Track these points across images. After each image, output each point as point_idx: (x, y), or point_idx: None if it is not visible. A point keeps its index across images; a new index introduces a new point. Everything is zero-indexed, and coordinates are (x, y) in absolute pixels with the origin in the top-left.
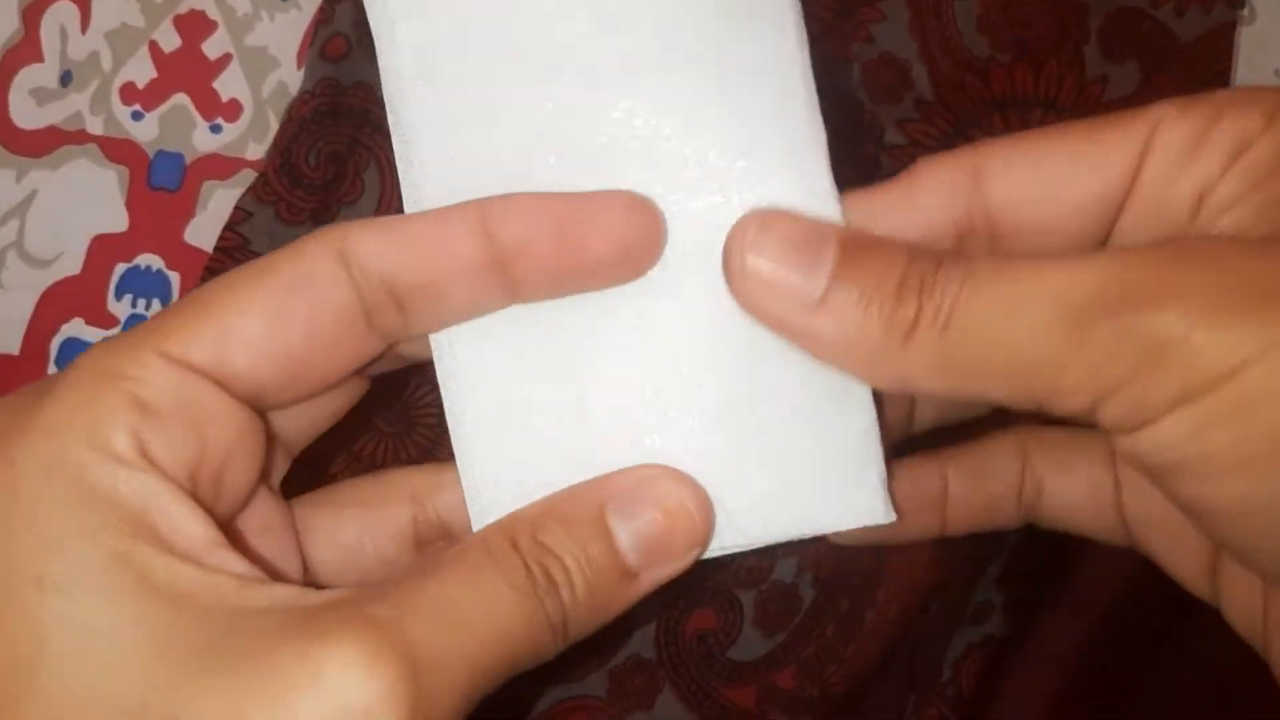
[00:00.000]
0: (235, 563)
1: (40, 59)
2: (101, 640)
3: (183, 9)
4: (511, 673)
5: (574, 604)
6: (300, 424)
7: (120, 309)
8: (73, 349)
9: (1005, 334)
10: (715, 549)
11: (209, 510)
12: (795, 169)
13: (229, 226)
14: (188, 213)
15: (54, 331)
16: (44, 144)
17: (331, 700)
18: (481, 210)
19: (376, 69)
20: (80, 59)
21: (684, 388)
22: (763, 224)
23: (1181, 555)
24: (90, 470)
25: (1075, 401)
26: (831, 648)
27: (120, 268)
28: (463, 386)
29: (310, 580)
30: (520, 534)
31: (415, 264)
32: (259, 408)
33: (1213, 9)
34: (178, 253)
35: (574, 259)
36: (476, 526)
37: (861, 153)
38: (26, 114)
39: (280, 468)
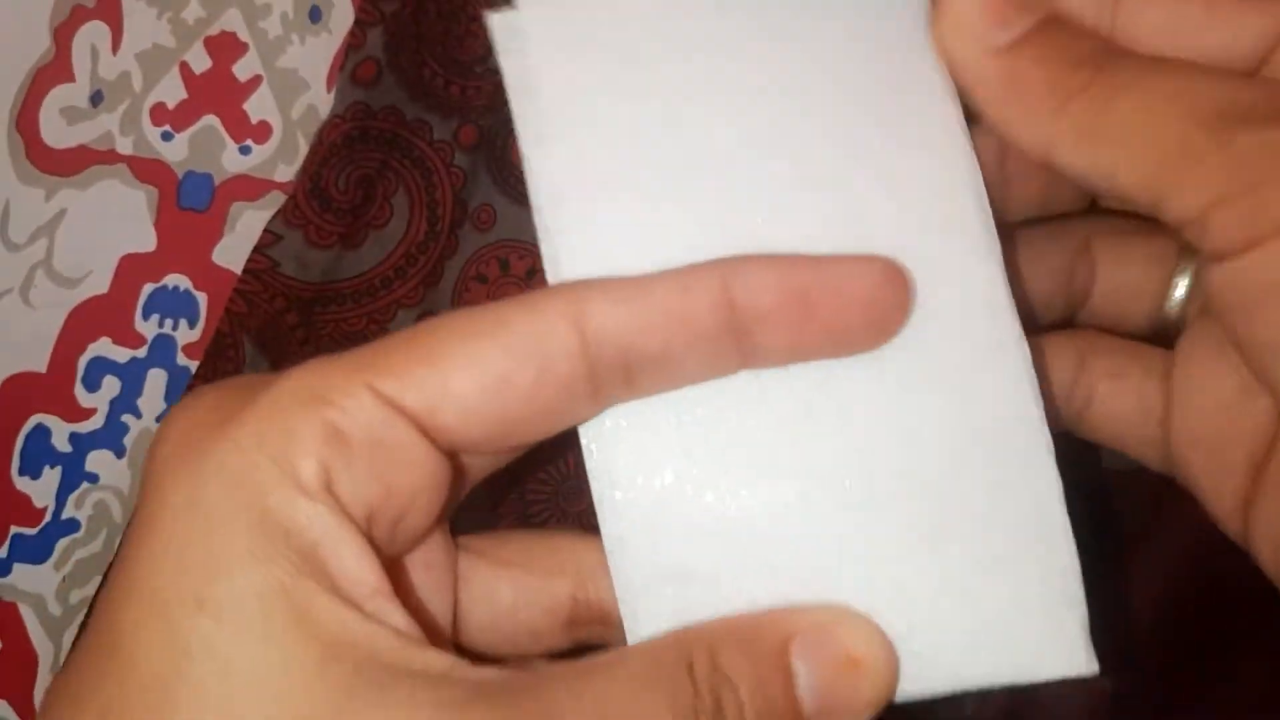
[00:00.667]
0: (396, 616)
1: (71, 78)
2: (245, 676)
3: (214, 30)
4: None
5: None
6: (486, 463)
7: (148, 329)
8: (99, 368)
9: (1157, 118)
10: (895, 694)
11: (380, 551)
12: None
13: (258, 249)
14: (216, 233)
15: (81, 350)
16: (74, 163)
17: None
18: (723, 274)
19: (406, 93)
20: (111, 79)
21: (875, 508)
22: None
23: (1219, 482)
24: (271, 494)
25: (1195, 199)
26: None
27: (148, 287)
28: (616, 479)
29: (457, 632)
30: (698, 654)
31: (656, 334)
32: (455, 453)
33: None
34: (206, 273)
35: (823, 327)
36: (632, 639)
37: None
38: (57, 133)
39: (455, 502)
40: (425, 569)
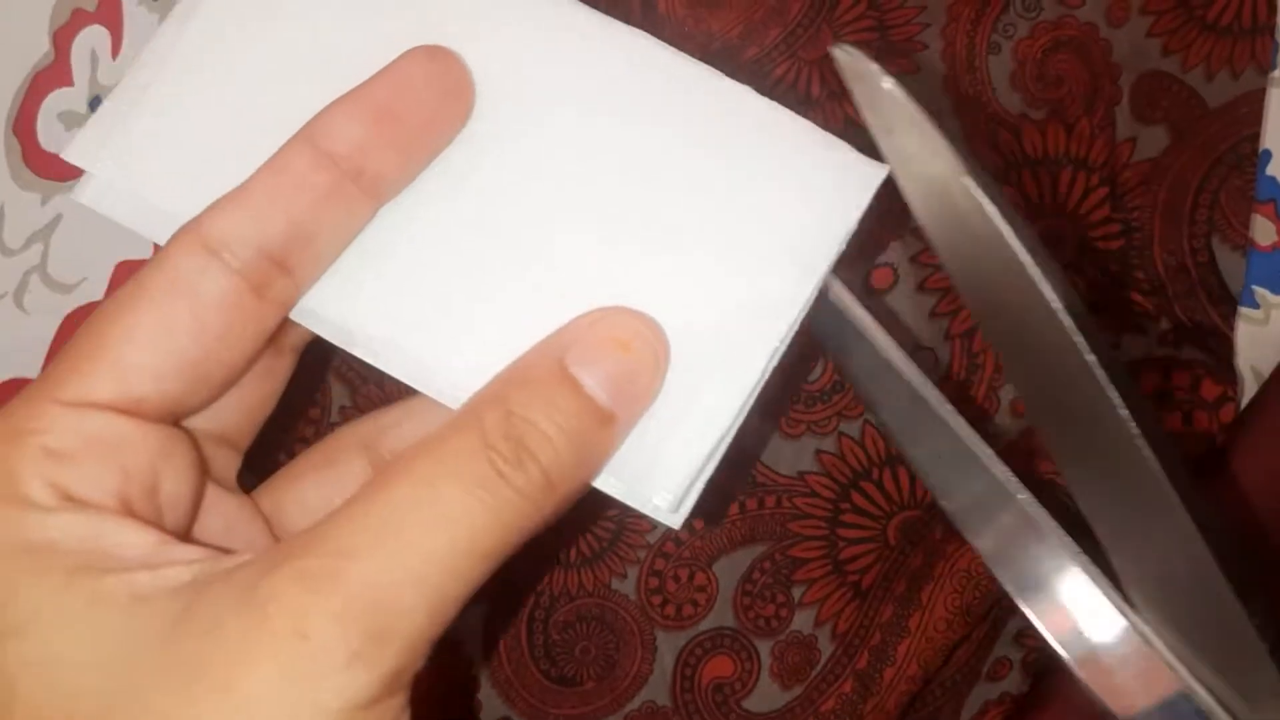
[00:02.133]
0: (188, 551)
1: (70, 83)
2: (66, 668)
3: None
4: (499, 558)
5: (558, 462)
6: (235, 417)
7: None
8: None
9: None
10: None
11: (155, 524)
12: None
13: None
14: None
15: None
16: (71, 169)
17: (281, 674)
18: (308, 136)
19: None
20: (110, 84)
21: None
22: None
23: None
24: (17, 526)
25: None
26: (849, 704)
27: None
28: (359, 317)
29: None
30: (483, 411)
31: (277, 223)
32: (183, 415)
33: (1242, 73)
34: None
35: (416, 132)
36: (445, 399)
37: (893, 206)
38: (54, 138)
39: (232, 463)
40: (228, 531)
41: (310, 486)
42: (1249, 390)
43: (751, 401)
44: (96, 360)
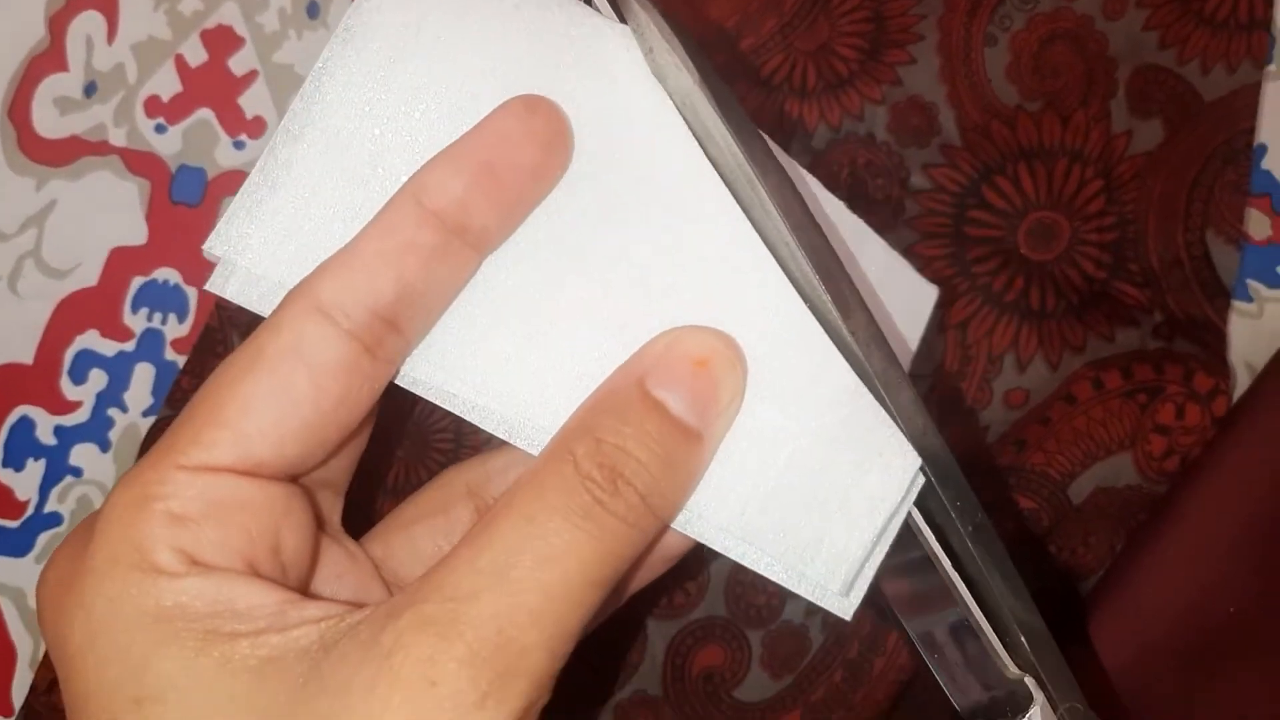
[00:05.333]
0: (315, 609)
1: (65, 68)
2: None
3: (211, 23)
4: (610, 585)
5: (653, 485)
6: (338, 462)
7: (136, 322)
8: (86, 360)
9: None
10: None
11: (281, 582)
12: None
13: None
14: (208, 228)
15: (68, 342)
16: (65, 154)
17: None
18: (412, 194)
19: None
20: (105, 70)
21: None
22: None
23: None
24: (149, 594)
25: None
26: (840, 693)
27: (137, 281)
28: (458, 390)
29: None
30: (574, 444)
31: (387, 283)
32: (301, 474)
33: (1238, 68)
34: (196, 268)
35: (517, 185)
36: (536, 450)
37: (888, 195)
38: (49, 123)
39: (337, 506)
40: (338, 579)
41: (422, 534)
42: (1241, 384)
43: (919, 483)
44: (217, 427)
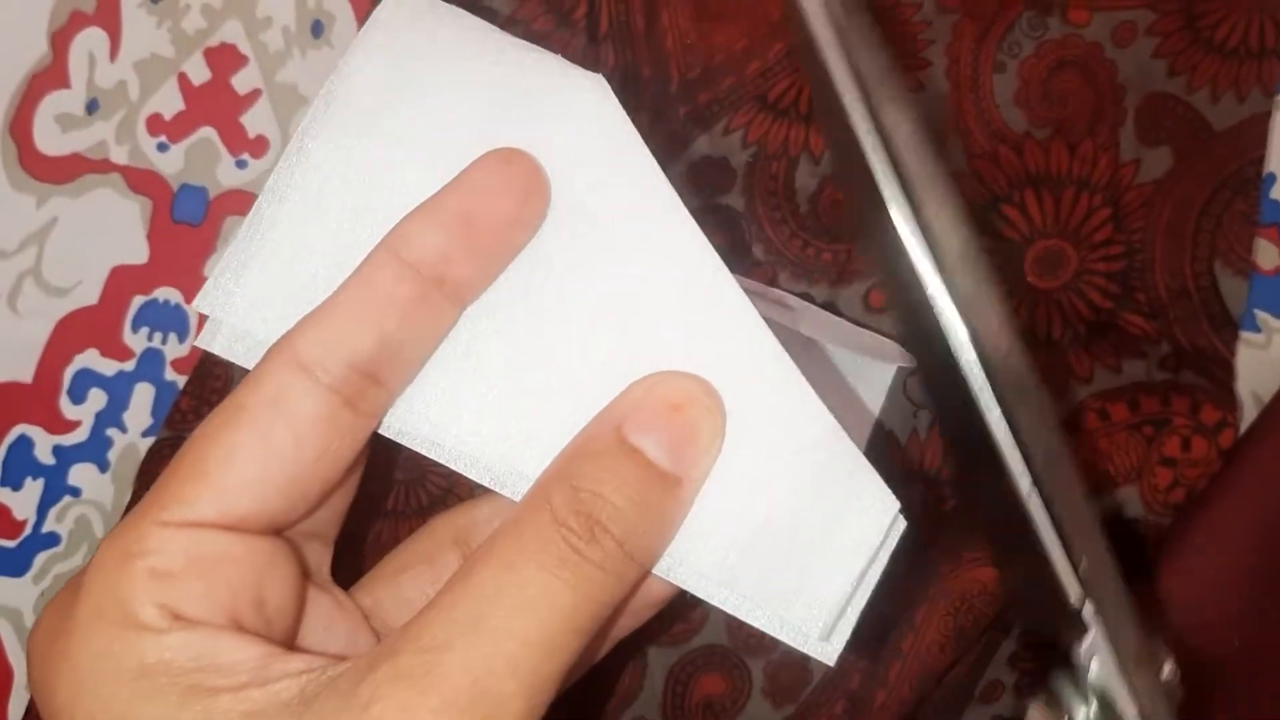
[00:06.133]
0: (297, 662)
1: (67, 85)
2: None
3: (214, 42)
4: (590, 632)
5: (631, 531)
6: (325, 513)
7: (136, 342)
8: (86, 380)
9: None
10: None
11: (265, 635)
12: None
13: None
14: (209, 248)
15: (68, 361)
16: (67, 171)
17: None
18: (391, 248)
19: None
20: (108, 87)
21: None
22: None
23: None
24: (132, 650)
25: None
26: None
27: (138, 300)
28: (439, 440)
29: None
30: (550, 491)
31: (366, 337)
32: (284, 527)
33: (1247, 97)
34: (197, 288)
35: (494, 236)
36: (517, 495)
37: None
38: (50, 140)
39: (325, 557)
40: (327, 631)
41: (409, 583)
42: (1249, 415)
43: (900, 526)
44: (198, 482)
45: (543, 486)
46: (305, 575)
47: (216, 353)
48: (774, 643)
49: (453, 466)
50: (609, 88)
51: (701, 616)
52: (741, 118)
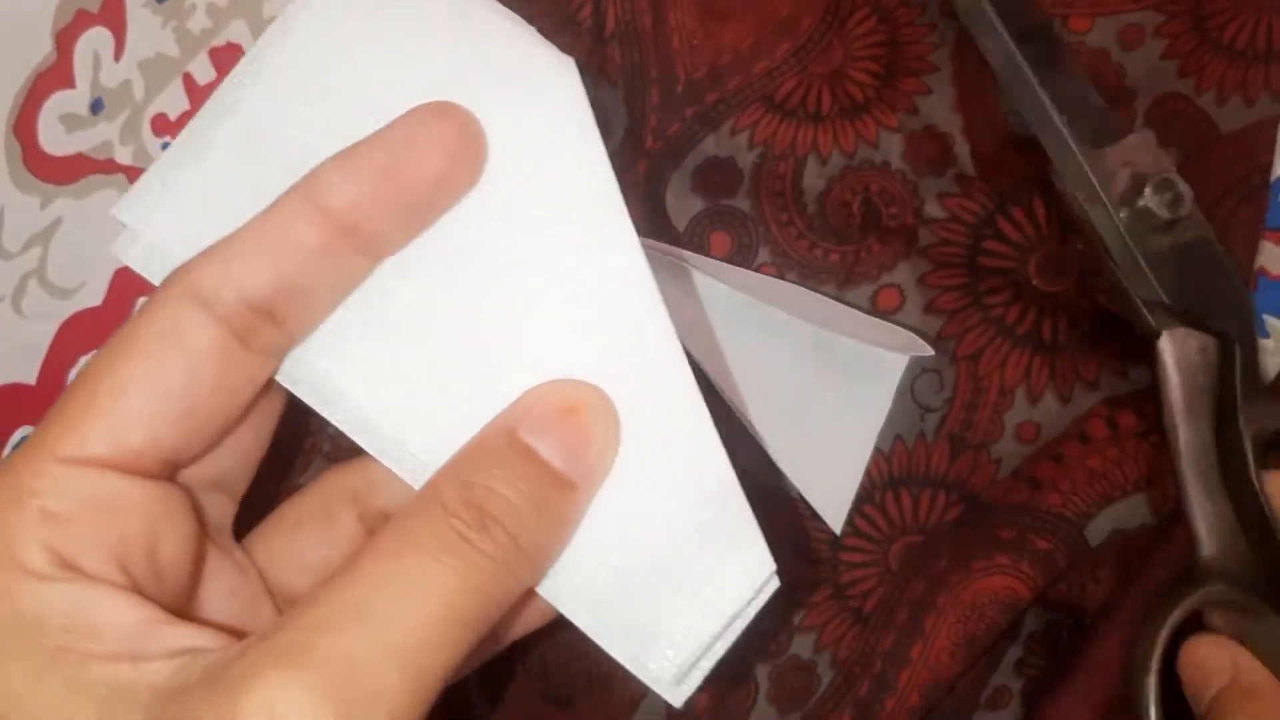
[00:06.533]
0: (176, 636)
1: (71, 85)
2: None
3: (219, 41)
4: (480, 628)
5: (523, 526)
6: (229, 462)
7: None
8: None
9: None
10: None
11: (154, 591)
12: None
13: None
14: None
15: (72, 363)
16: (71, 171)
17: None
18: (305, 191)
19: None
20: (112, 87)
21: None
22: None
23: None
24: (11, 595)
25: None
26: None
27: (142, 302)
28: (332, 398)
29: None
30: (441, 485)
31: (263, 274)
32: (177, 469)
33: (1256, 101)
34: None
35: (414, 193)
36: (406, 474)
37: (902, 224)
38: (55, 140)
39: (228, 511)
40: (230, 594)
41: (306, 544)
42: None
43: (772, 587)
44: (91, 414)
45: (433, 484)
46: (204, 530)
47: (131, 265)
48: (780, 649)
49: (343, 429)
50: (577, 73)
51: None
52: (748, 118)
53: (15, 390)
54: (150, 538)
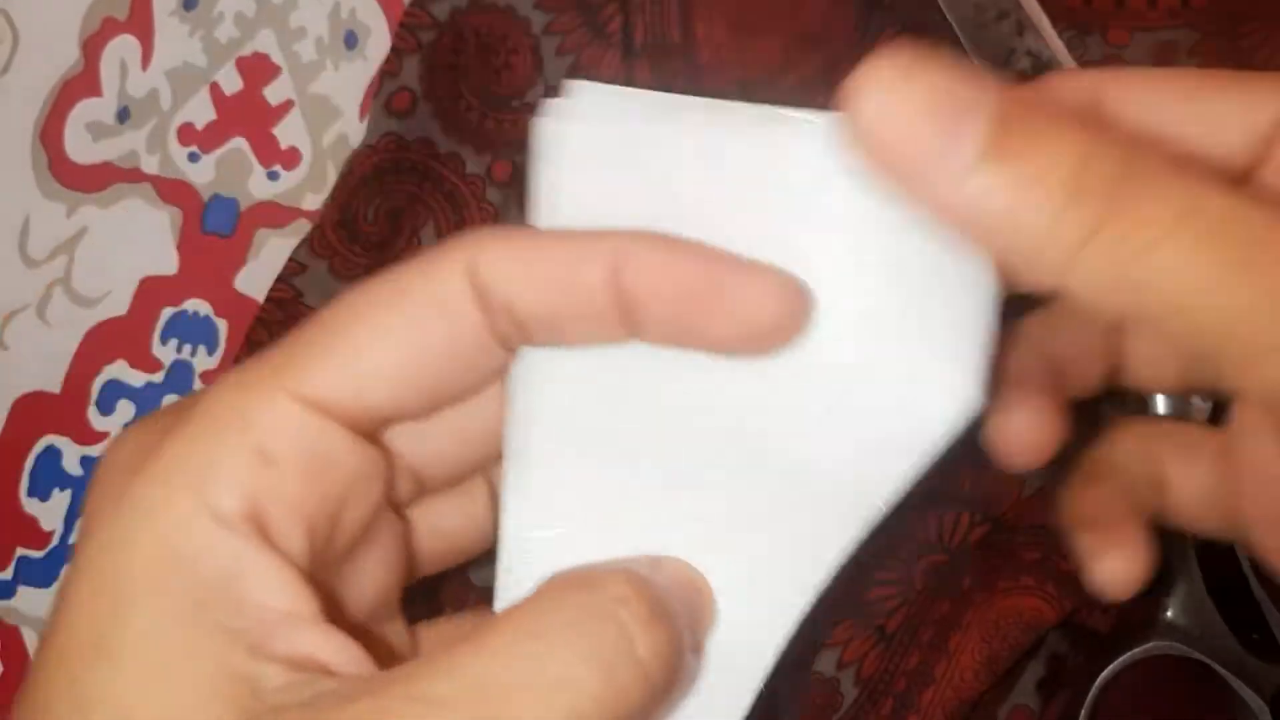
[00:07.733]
0: (305, 643)
1: (99, 93)
2: None
3: (247, 51)
4: None
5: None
6: (454, 448)
7: (165, 353)
8: (114, 391)
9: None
10: None
11: (322, 553)
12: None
13: (282, 278)
14: (239, 260)
15: (96, 372)
16: (97, 180)
17: None
18: (616, 252)
19: (439, 125)
20: (139, 96)
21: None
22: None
23: None
24: (183, 528)
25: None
26: None
27: (167, 311)
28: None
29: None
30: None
31: (542, 298)
32: (386, 427)
33: None
34: (227, 300)
35: (698, 332)
36: (518, 567)
37: None
38: (81, 148)
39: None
40: (376, 565)
41: (445, 511)
42: None
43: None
44: (339, 354)
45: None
46: (386, 504)
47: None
48: (802, 665)
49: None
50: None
51: None
52: None
53: (40, 398)
54: (342, 503)
